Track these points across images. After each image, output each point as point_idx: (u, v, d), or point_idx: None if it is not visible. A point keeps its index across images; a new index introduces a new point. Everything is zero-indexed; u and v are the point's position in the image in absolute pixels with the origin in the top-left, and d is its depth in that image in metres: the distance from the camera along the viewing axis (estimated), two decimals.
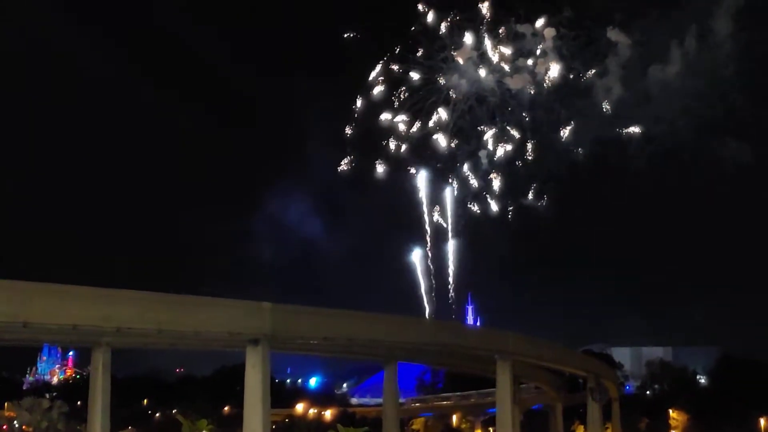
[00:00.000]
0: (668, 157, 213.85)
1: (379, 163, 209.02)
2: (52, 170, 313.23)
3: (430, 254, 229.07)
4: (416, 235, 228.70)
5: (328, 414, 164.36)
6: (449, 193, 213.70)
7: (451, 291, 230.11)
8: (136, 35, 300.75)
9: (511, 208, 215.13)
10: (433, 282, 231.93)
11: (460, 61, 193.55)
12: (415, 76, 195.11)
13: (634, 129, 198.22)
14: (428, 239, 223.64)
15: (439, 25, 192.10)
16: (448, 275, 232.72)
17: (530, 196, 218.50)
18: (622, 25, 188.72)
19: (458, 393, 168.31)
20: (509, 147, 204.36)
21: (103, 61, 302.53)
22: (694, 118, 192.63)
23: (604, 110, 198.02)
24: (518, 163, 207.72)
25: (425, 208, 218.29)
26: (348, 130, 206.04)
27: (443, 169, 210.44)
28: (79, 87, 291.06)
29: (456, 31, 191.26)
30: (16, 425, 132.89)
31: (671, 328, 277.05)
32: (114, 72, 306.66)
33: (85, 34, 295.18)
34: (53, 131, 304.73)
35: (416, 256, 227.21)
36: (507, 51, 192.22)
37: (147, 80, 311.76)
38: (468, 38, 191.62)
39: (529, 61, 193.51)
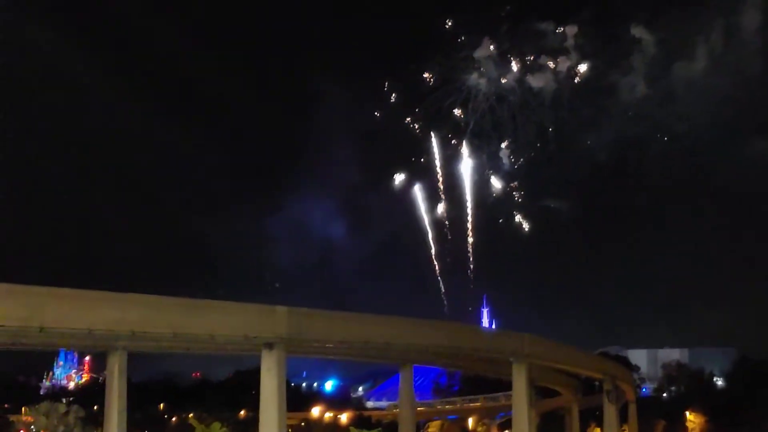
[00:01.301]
0: (691, 156, 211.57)
1: (398, 174, 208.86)
2: (68, 172, 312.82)
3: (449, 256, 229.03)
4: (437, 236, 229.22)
5: (344, 417, 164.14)
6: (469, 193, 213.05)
7: (470, 275, 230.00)
8: (149, 36, 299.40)
9: (519, 216, 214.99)
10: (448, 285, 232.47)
11: (480, 59, 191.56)
12: (434, 76, 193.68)
13: (657, 127, 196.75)
14: (448, 232, 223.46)
15: (459, 24, 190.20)
16: (468, 275, 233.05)
17: (550, 197, 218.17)
18: (646, 22, 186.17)
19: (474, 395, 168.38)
20: (530, 152, 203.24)
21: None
22: (718, 116, 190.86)
23: (627, 109, 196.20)
24: (538, 160, 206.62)
25: (443, 209, 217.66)
26: (369, 133, 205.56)
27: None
28: (94, 87, 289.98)
29: (476, 30, 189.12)
30: (33, 430, 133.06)
31: (688, 329, 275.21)
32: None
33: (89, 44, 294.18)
34: (69, 133, 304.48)
35: (436, 256, 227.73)
36: (528, 49, 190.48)
37: (163, 80, 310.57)
38: (488, 37, 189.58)
39: (551, 61, 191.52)
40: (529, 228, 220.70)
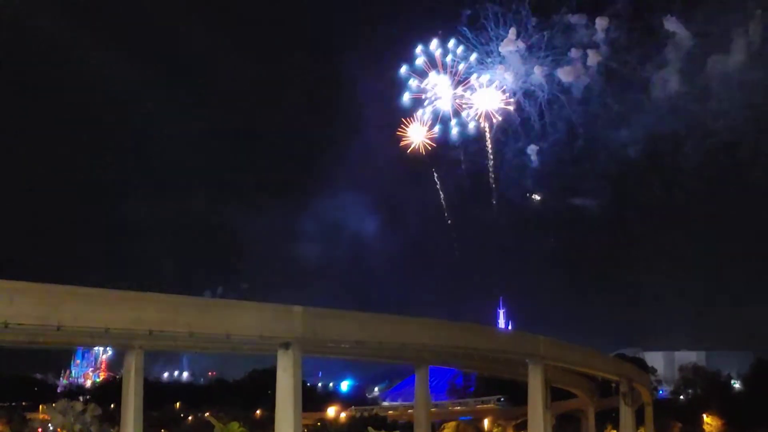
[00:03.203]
0: (725, 153, 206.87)
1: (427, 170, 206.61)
2: (91, 167, 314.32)
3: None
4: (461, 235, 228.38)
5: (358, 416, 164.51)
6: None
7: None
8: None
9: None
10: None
11: (506, 53, 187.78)
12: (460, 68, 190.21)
13: (692, 123, 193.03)
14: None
15: (485, 17, 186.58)
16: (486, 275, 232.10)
17: (577, 195, 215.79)
18: (681, 14, 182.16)
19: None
20: (558, 149, 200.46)
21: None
22: (754, 112, 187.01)
23: (660, 104, 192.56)
24: (566, 157, 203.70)
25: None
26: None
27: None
28: (117, 83, 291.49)
29: (502, 22, 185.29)
30: (51, 428, 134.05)
31: (705, 332, 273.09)
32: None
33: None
34: (91, 126, 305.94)
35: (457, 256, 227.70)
36: (558, 42, 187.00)
37: (190, 72, 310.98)
38: (515, 29, 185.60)
39: (581, 55, 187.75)
40: (552, 233, 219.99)
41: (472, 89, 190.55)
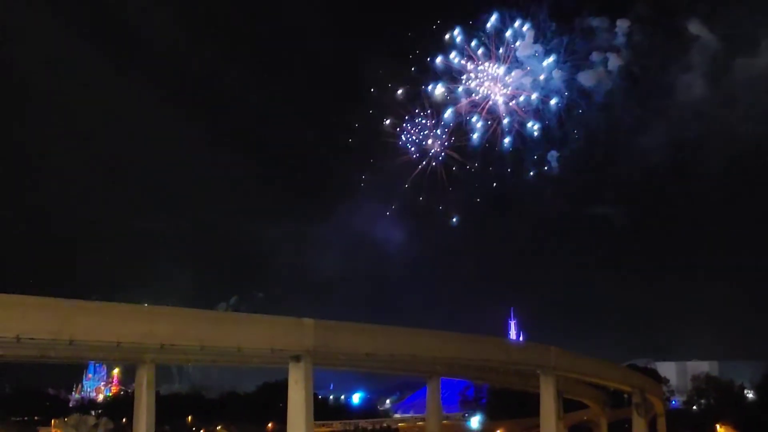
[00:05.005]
0: (750, 159, 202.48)
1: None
2: (104, 183, 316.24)
3: None
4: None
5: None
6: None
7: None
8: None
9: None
10: None
11: (524, 58, 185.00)
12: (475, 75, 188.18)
13: (717, 128, 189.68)
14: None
15: (502, 21, 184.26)
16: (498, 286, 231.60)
17: (597, 204, 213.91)
18: (706, 16, 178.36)
19: None
20: (578, 155, 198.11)
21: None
22: None
23: (685, 109, 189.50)
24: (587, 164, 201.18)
25: None
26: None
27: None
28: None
29: (520, 26, 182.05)
30: None
31: (717, 342, 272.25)
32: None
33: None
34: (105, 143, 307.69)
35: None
36: (579, 46, 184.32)
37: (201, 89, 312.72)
38: (532, 33, 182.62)
39: (602, 57, 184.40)
40: (567, 243, 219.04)
41: (491, 97, 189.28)
